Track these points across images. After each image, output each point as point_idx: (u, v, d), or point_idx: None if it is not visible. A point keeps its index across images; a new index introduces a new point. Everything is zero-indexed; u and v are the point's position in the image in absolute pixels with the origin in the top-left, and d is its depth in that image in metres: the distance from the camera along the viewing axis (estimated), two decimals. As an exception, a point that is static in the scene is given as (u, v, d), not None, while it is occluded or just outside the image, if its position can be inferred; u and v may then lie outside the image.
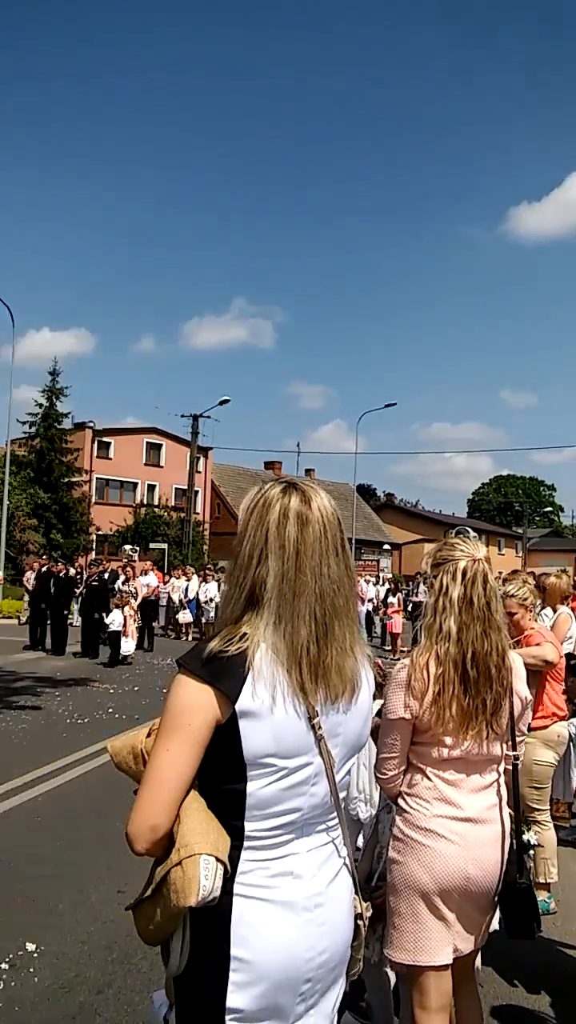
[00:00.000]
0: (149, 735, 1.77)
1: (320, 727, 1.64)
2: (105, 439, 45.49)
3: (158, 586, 19.36)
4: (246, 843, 1.62)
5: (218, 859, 1.54)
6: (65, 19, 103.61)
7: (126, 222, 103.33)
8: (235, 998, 1.57)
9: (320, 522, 1.69)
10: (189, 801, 1.61)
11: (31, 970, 3.86)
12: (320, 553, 1.67)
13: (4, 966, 3.87)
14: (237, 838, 1.62)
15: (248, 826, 1.62)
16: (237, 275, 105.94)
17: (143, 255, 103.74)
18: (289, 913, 1.62)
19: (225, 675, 1.58)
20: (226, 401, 36.93)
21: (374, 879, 3.02)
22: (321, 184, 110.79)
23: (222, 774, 1.62)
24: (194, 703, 1.58)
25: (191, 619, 20.88)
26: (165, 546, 32.63)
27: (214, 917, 1.58)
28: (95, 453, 44.43)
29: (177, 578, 21.52)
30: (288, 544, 1.65)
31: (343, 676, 1.68)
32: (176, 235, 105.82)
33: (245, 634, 1.61)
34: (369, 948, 2.62)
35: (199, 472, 41.41)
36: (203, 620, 20.85)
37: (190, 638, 20.86)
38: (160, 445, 47.98)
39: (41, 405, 39.85)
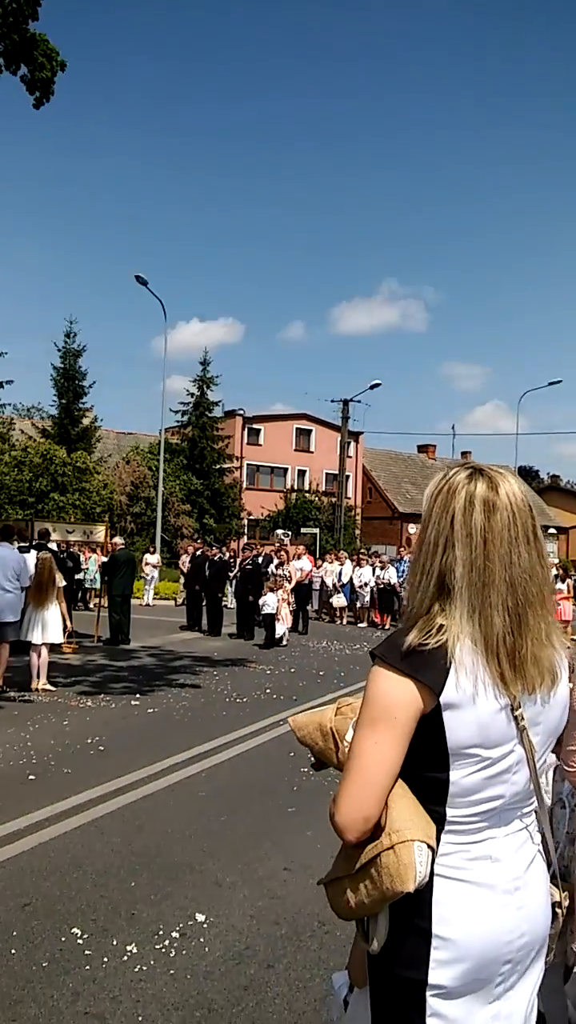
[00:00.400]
0: (337, 713, 1.81)
1: (523, 718, 1.63)
2: (255, 426, 46.21)
3: (311, 570, 19.47)
4: (447, 827, 1.64)
5: (429, 846, 1.56)
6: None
7: (273, 210, 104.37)
8: (437, 975, 1.59)
9: (508, 509, 1.65)
10: (396, 788, 1.62)
11: (201, 940, 3.91)
12: (509, 541, 1.64)
13: (175, 935, 3.95)
14: (438, 823, 1.63)
15: (450, 812, 1.63)
16: (388, 256, 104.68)
17: (290, 242, 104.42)
18: (490, 895, 1.63)
19: (427, 668, 1.58)
20: (377, 385, 36.60)
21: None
22: (475, 159, 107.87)
23: (425, 763, 1.63)
24: (398, 697, 1.59)
25: (345, 603, 20.92)
26: (316, 531, 32.81)
27: (415, 897, 1.58)
28: (246, 440, 45.22)
29: (330, 562, 21.58)
30: (475, 532, 1.63)
31: (540, 667, 1.66)
32: (324, 220, 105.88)
33: (442, 626, 1.62)
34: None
35: (350, 457, 41.36)
36: (357, 604, 20.84)
37: (344, 622, 20.92)
38: (310, 431, 48.27)
39: (192, 394, 41.00)
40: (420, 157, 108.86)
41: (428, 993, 1.59)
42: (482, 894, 1.62)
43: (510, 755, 1.63)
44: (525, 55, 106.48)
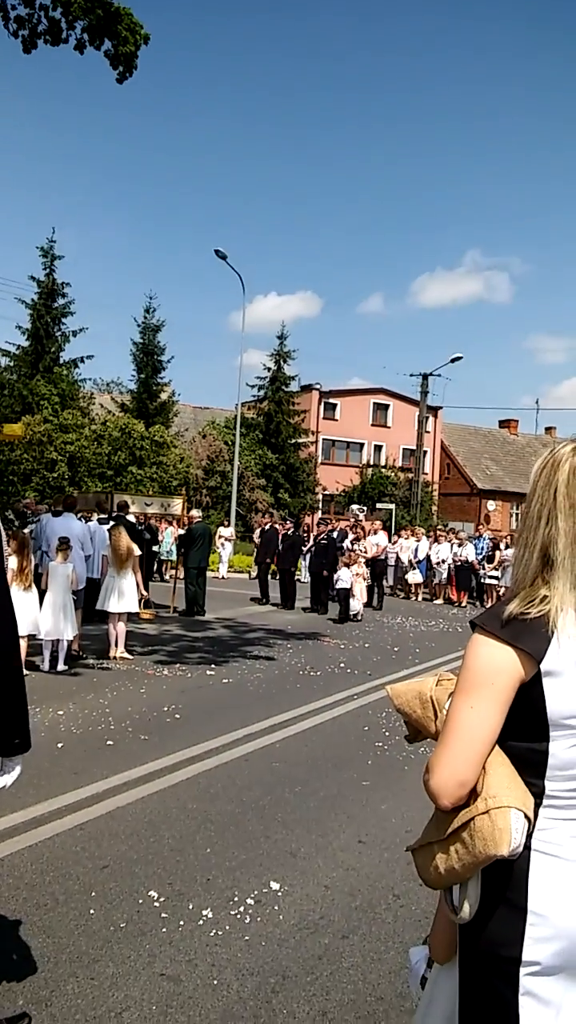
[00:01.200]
0: (438, 683, 1.82)
1: None
2: (332, 400, 45.94)
3: (387, 546, 19.32)
4: (545, 802, 1.61)
5: (525, 815, 1.54)
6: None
7: (354, 181, 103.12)
8: (532, 951, 1.57)
9: None
10: (493, 755, 1.60)
11: (275, 908, 3.92)
12: None
13: (250, 901, 3.96)
14: (537, 797, 1.60)
15: (549, 786, 1.61)
16: (472, 227, 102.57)
17: (371, 214, 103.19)
18: None
19: (527, 636, 1.59)
20: (458, 358, 35.89)
21: None
22: (563, 126, 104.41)
23: (524, 733, 1.61)
24: (497, 664, 1.59)
25: (421, 580, 20.72)
26: (392, 506, 32.57)
27: (511, 871, 1.58)
28: (321, 414, 45.03)
29: (406, 538, 21.38)
30: None
31: None
32: (407, 191, 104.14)
33: (545, 596, 1.62)
34: None
35: (428, 432, 40.81)
36: (434, 581, 20.62)
37: (419, 599, 20.74)
38: (387, 405, 47.77)
39: (269, 369, 41.00)
40: (504, 125, 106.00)
41: (522, 971, 1.57)
42: None
43: None
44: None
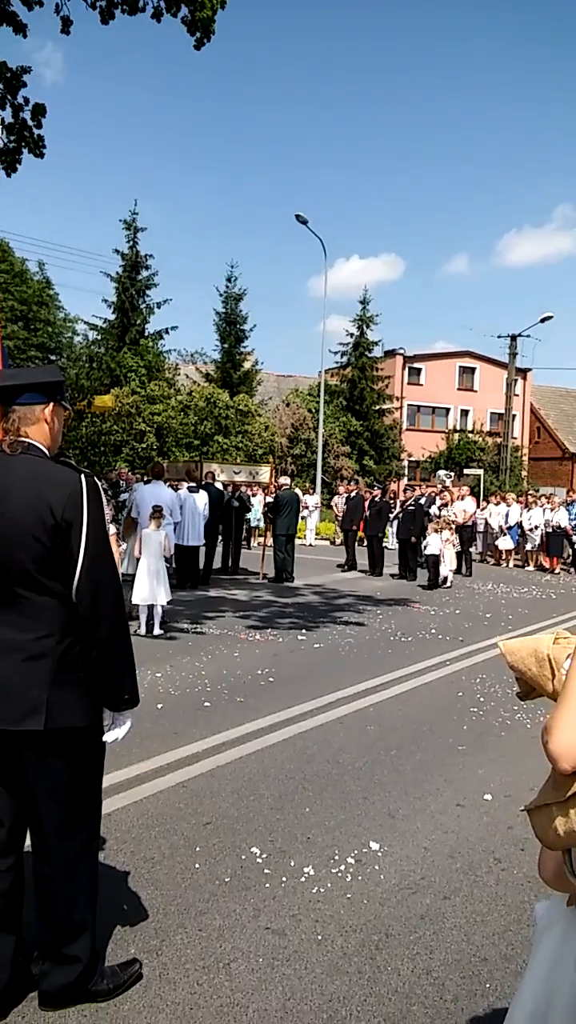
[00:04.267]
0: (555, 642, 1.78)
1: None
2: (416, 365, 45.25)
3: (475, 512, 19.03)
4: None
5: None
6: None
7: (435, 137, 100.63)
8: None
9: None
10: None
11: (376, 868, 3.95)
12: None
13: (351, 860, 4.00)
14: None
15: None
16: (560, 181, 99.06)
17: (454, 171, 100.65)
18: None
19: None
20: (549, 318, 34.80)
21: None
22: None
23: None
24: None
25: (512, 546, 20.36)
26: (481, 472, 32.00)
27: None
28: (406, 380, 44.45)
29: (496, 504, 21.01)
30: None
31: None
32: (490, 146, 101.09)
33: None
34: None
35: (517, 395, 39.81)
36: (526, 547, 20.23)
37: (511, 565, 20.41)
38: (474, 368, 46.81)
39: (352, 335, 40.53)
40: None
41: None
42: None
43: None
44: None
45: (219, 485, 15.55)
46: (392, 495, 21.77)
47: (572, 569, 19.92)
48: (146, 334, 35.48)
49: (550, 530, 19.44)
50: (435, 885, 3.80)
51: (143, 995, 2.88)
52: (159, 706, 6.46)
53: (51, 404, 2.70)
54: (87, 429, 14.89)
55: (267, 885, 3.72)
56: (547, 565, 19.67)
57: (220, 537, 15.61)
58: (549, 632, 1.88)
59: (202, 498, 13.61)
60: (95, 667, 2.58)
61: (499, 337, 37.92)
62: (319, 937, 3.31)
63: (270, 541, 15.65)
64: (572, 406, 50.72)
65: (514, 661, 1.87)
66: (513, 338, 36.43)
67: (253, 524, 21.83)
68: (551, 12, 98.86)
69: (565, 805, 1.58)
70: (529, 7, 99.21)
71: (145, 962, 3.06)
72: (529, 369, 44.54)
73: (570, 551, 20.15)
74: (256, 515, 21.33)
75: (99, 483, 2.61)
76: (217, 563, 15.48)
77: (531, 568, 19.96)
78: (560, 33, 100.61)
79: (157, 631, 9.49)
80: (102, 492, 2.60)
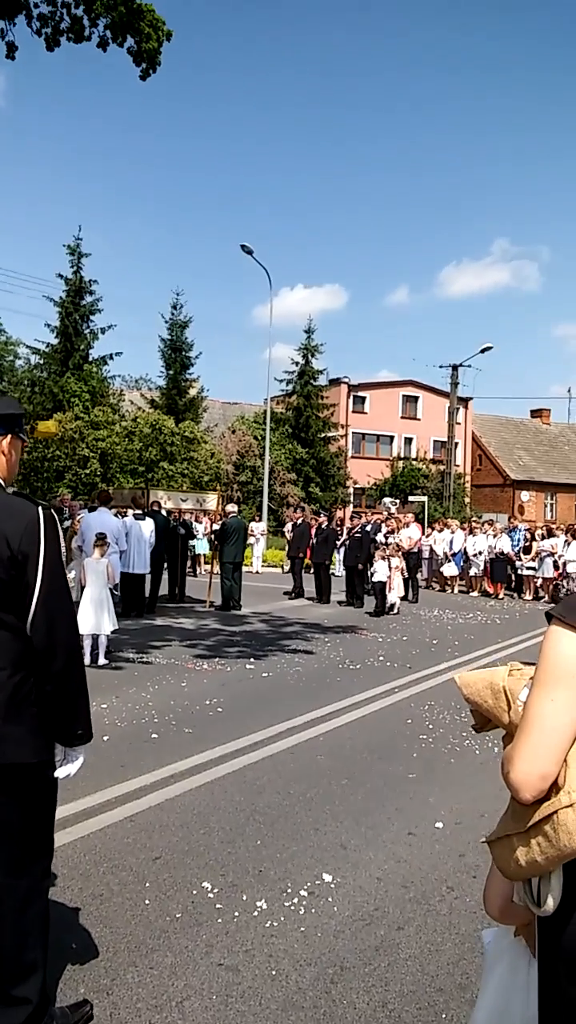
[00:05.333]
0: (510, 674, 1.79)
1: None
2: (361, 393, 45.79)
3: (420, 538, 19.22)
4: None
5: None
6: None
7: (378, 171, 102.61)
8: None
9: None
10: (574, 748, 1.57)
11: (329, 899, 3.92)
12: None
13: (304, 893, 3.96)
14: None
15: None
16: (499, 216, 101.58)
17: (396, 204, 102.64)
18: None
19: None
20: (488, 348, 35.64)
21: None
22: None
23: None
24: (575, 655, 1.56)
25: (456, 572, 20.59)
26: (425, 499, 32.38)
27: None
28: (351, 408, 44.91)
29: (439, 531, 21.26)
30: None
31: None
32: (431, 180, 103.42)
33: None
34: None
35: (459, 423, 40.51)
36: (470, 573, 20.47)
37: (455, 591, 20.62)
38: (417, 397, 47.53)
39: (297, 363, 40.96)
40: (531, 110, 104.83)
41: None
42: None
43: None
44: None
45: (164, 512, 15.47)
46: (339, 522, 21.89)
47: (516, 595, 20.21)
48: (90, 359, 35.31)
49: (494, 556, 19.73)
50: (389, 916, 3.79)
51: (94, 1039, 2.81)
52: (105, 738, 6.35)
53: (9, 436, 2.67)
54: (29, 455, 14.70)
55: (219, 920, 3.66)
56: (491, 591, 19.94)
57: (166, 565, 15.47)
58: (504, 664, 1.89)
59: (148, 525, 13.51)
60: (49, 701, 2.53)
61: (441, 367, 38.58)
62: (273, 972, 3.27)
63: (217, 568, 15.58)
64: (512, 434, 51.75)
65: (470, 694, 1.88)
66: (455, 368, 37.16)
67: (199, 552, 21.72)
68: (489, 49, 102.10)
69: (526, 835, 1.58)
70: (469, 45, 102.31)
71: (96, 1002, 2.98)
72: (470, 398, 45.44)
73: (513, 577, 20.45)
74: (201, 542, 21.24)
75: (56, 516, 2.57)
76: (163, 591, 15.33)
77: (475, 594, 20.20)
78: (497, 71, 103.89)
79: (102, 661, 9.35)
80: (59, 525, 2.57)
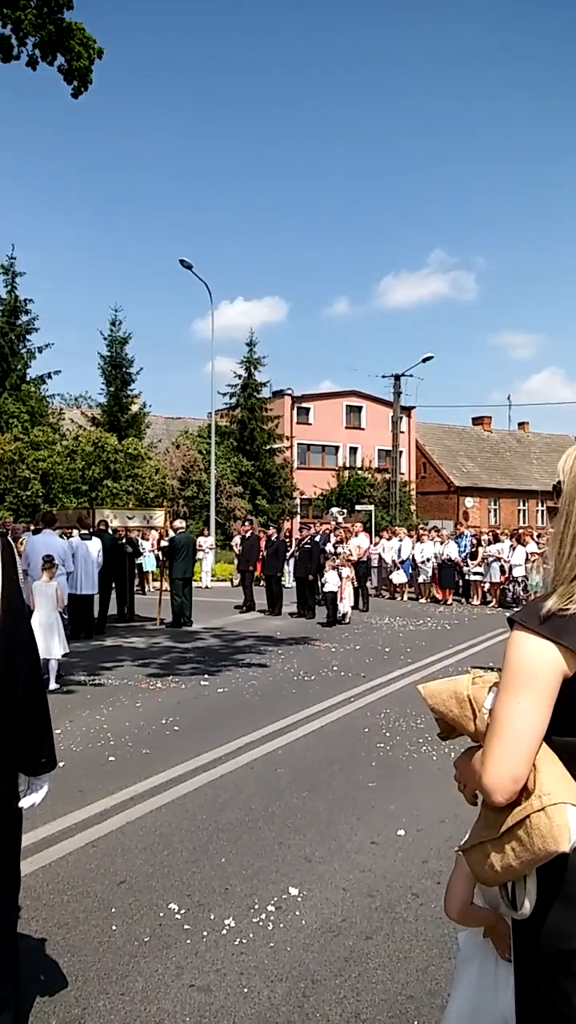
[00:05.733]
0: (473, 682, 1.83)
1: None
2: (304, 405, 46.01)
3: (368, 547, 19.38)
4: None
5: None
6: None
7: (316, 184, 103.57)
8: None
9: None
10: (543, 752, 1.62)
11: (297, 913, 3.93)
12: None
13: (271, 908, 3.97)
14: None
15: None
16: (435, 227, 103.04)
17: (333, 217, 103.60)
18: None
19: (568, 632, 1.61)
20: (429, 358, 36.17)
21: None
22: (522, 123, 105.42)
23: (568, 727, 1.63)
24: (539, 659, 1.61)
25: (405, 579, 20.78)
26: (371, 508, 32.63)
27: (564, 865, 1.59)
28: (295, 419, 45.10)
29: (387, 539, 21.45)
30: None
31: None
32: (368, 193, 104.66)
33: None
34: None
35: (402, 432, 40.98)
36: (419, 580, 20.68)
37: (405, 598, 20.81)
38: (360, 407, 47.92)
39: (240, 376, 41.04)
40: (465, 123, 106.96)
41: None
42: None
43: None
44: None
45: (110, 531, 15.33)
46: (286, 534, 21.95)
47: (464, 600, 20.47)
48: (27, 379, 34.86)
49: (441, 563, 19.97)
50: (356, 926, 3.81)
51: (67, 1070, 2.77)
52: (61, 764, 6.23)
53: None
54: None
55: (188, 941, 3.65)
56: (440, 597, 20.17)
57: (114, 584, 15.33)
58: (462, 670, 1.93)
59: (95, 545, 13.39)
60: (11, 731, 2.50)
61: (383, 377, 39.08)
62: (245, 990, 3.26)
63: (166, 585, 15.49)
64: (455, 441, 52.50)
65: (435, 703, 1.91)
66: (396, 378, 37.62)
67: (146, 569, 21.57)
68: (421, 58, 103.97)
69: (500, 841, 1.62)
70: (403, 55, 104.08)
71: (68, 1035, 2.94)
72: (413, 407, 45.95)
73: (461, 582, 20.71)
74: (148, 559, 21.09)
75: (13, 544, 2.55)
76: (112, 611, 15.18)
77: (424, 600, 20.41)
78: (430, 81, 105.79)
79: (53, 685, 9.21)
80: (15, 553, 2.55)
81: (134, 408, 37.90)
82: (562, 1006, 1.60)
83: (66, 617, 11.72)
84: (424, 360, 36.41)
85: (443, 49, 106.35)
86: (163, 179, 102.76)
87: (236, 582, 22.17)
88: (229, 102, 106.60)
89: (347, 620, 15.65)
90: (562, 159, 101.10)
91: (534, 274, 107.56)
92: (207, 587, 23.79)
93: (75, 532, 13.72)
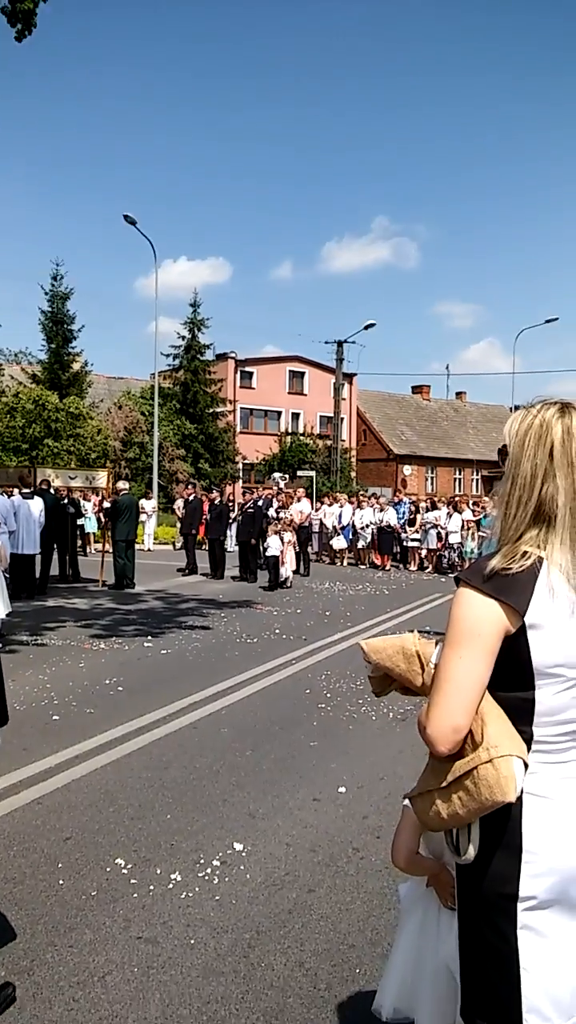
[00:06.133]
0: (420, 639, 1.91)
1: None
2: (248, 369, 45.73)
3: (310, 513, 19.52)
4: (534, 747, 1.71)
5: (524, 762, 1.65)
6: None
7: (262, 146, 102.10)
8: (528, 887, 1.68)
9: None
10: (490, 706, 1.70)
11: (241, 868, 4.03)
12: None
13: (216, 863, 4.06)
14: (527, 743, 1.70)
15: (537, 732, 1.71)
16: (378, 193, 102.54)
17: (279, 179, 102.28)
18: None
19: (511, 590, 1.66)
20: (371, 325, 36.27)
21: None
22: (466, 95, 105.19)
23: (512, 683, 1.71)
24: (482, 616, 1.67)
25: (345, 545, 21.01)
26: (313, 474, 32.76)
27: (506, 814, 1.68)
28: (238, 383, 44.81)
29: (329, 504, 21.63)
30: None
31: None
32: (313, 156, 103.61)
33: (526, 552, 1.70)
34: None
35: (344, 399, 41.05)
36: (358, 546, 20.92)
37: (345, 563, 21.05)
38: (303, 373, 47.83)
39: (183, 337, 40.53)
40: (410, 93, 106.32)
41: (520, 906, 1.68)
42: (570, 812, 1.70)
43: None
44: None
45: (52, 491, 15.15)
46: (230, 498, 21.95)
47: (402, 566, 20.80)
48: (-35, 334, 33.94)
49: (380, 529, 20.23)
50: (300, 879, 3.92)
51: (18, 1017, 2.83)
52: (5, 722, 6.25)
53: None
54: None
55: (135, 895, 3.72)
56: (378, 562, 20.47)
57: (55, 545, 15.17)
58: (409, 629, 2.01)
59: (37, 505, 13.23)
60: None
61: (326, 343, 38.93)
62: (192, 941, 3.35)
63: (109, 547, 15.40)
64: (395, 409, 52.87)
65: (380, 659, 1.97)
66: (339, 344, 37.63)
67: (88, 530, 21.39)
68: (371, 25, 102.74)
69: (447, 791, 1.70)
70: (353, 23, 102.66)
71: (17, 983, 2.99)
72: (355, 374, 46.06)
73: (399, 549, 21.03)
74: (90, 521, 20.92)
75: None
76: (54, 571, 15.04)
77: (364, 566, 20.69)
78: (379, 49, 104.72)
79: (-5, 644, 9.15)
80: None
81: (76, 366, 37.20)
82: (502, 947, 1.70)
83: (8, 576, 11.60)
84: (366, 327, 36.51)
85: (387, 18, 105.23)
86: (111, 134, 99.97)
87: (179, 545, 22.16)
88: (180, 63, 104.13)
89: (288, 584, 15.80)
90: (506, 136, 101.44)
91: (474, 245, 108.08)
92: (149, 550, 23.69)
93: (16, 491, 13.52)
